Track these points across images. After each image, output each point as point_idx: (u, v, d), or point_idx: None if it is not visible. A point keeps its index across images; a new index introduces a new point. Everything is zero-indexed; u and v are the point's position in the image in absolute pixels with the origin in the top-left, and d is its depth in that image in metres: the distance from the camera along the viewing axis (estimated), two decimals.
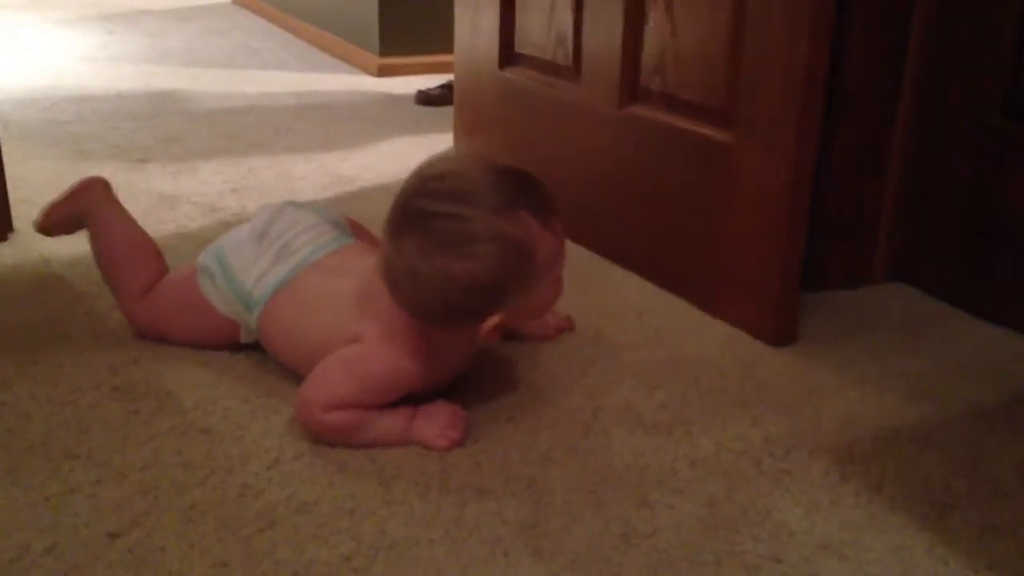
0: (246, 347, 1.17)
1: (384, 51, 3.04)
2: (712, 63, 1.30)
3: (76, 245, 1.43)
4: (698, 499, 0.93)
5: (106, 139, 2.19)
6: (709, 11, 1.29)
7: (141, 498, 0.91)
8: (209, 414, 1.06)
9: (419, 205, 0.96)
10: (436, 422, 1.01)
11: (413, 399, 1.03)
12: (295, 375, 1.09)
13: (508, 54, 1.76)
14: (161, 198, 1.78)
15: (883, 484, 0.97)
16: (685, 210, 1.38)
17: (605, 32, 1.48)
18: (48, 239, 1.49)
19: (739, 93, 1.26)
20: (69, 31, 3.71)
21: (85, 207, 1.27)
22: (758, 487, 0.96)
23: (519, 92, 1.73)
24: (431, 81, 2.81)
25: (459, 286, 0.95)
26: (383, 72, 3.03)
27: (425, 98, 2.64)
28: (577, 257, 1.52)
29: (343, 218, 1.24)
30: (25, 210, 1.65)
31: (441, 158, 1.04)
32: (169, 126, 2.33)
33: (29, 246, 1.52)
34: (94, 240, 1.25)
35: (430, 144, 2.21)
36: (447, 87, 2.57)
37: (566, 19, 1.58)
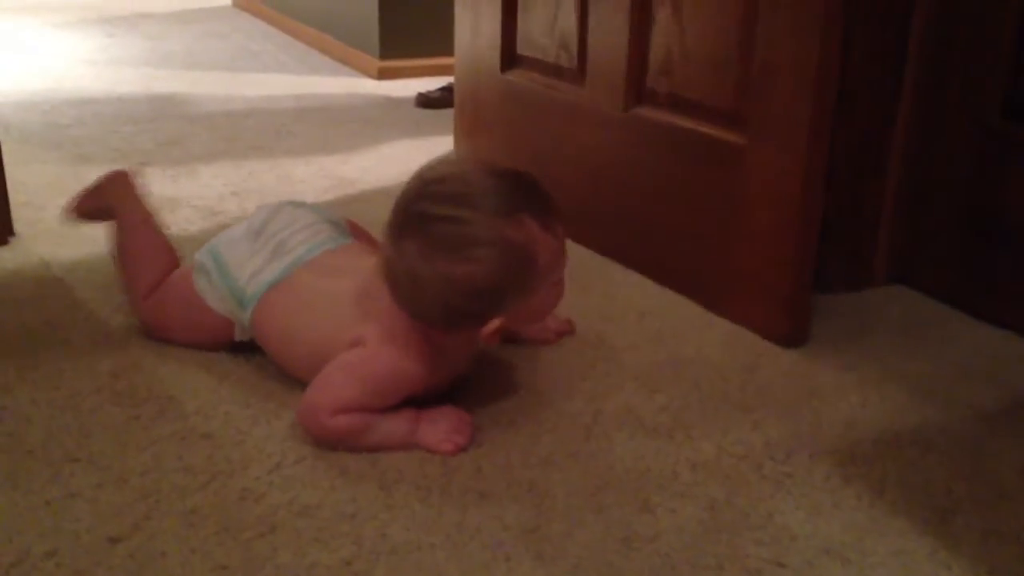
0: (247, 351, 1.17)
1: (384, 54, 3.04)
2: (721, 64, 1.30)
3: (77, 249, 1.43)
4: (699, 503, 0.93)
5: (107, 142, 2.19)
6: (718, 11, 1.29)
7: (142, 502, 0.91)
8: (210, 419, 1.06)
9: (420, 208, 0.96)
10: (441, 426, 1.01)
11: (414, 402, 1.03)
12: (297, 379, 1.09)
13: (510, 56, 1.76)
14: (161, 201, 1.78)
15: (885, 487, 0.97)
16: (693, 210, 1.38)
17: (610, 34, 1.48)
18: (49, 243, 1.50)
19: (749, 93, 1.26)
20: (69, 34, 3.71)
21: (110, 200, 1.29)
22: (760, 491, 0.96)
23: (521, 94, 1.73)
24: (431, 84, 2.81)
25: (460, 289, 0.95)
26: (383, 75, 3.03)
27: (425, 101, 2.64)
28: (578, 259, 1.52)
29: (343, 219, 1.25)
30: (26, 214, 1.65)
31: (442, 161, 1.04)
32: (169, 129, 2.33)
33: (30, 250, 1.52)
34: (114, 236, 1.27)
35: (430, 147, 2.21)
36: (447, 90, 2.57)
37: (570, 21, 1.57)
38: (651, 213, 1.46)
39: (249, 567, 0.83)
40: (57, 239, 1.55)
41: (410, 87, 2.85)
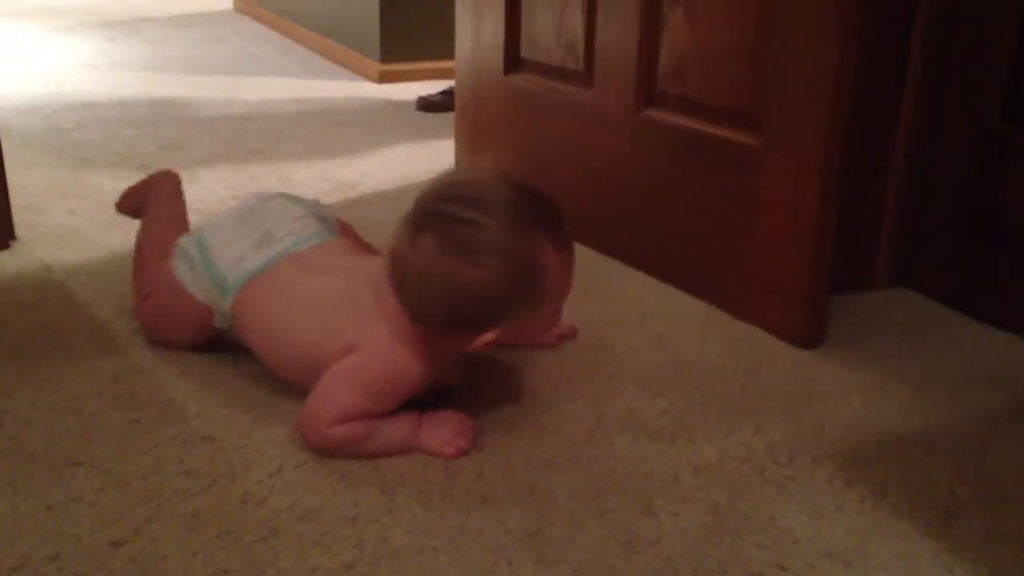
0: (247, 354, 1.17)
1: (385, 57, 3.04)
2: (735, 66, 1.30)
3: (78, 253, 1.43)
4: (702, 506, 0.93)
5: (108, 146, 2.19)
6: (731, 13, 1.29)
7: (143, 506, 0.91)
8: (211, 422, 1.05)
9: (443, 208, 0.96)
10: (443, 430, 1.01)
11: (412, 405, 1.02)
12: (280, 379, 1.09)
13: (513, 59, 1.76)
14: None
15: (887, 490, 0.96)
16: (706, 211, 1.38)
17: (620, 36, 1.48)
18: (50, 246, 1.50)
19: (764, 95, 1.26)
20: (70, 38, 3.72)
21: (146, 199, 1.30)
22: (762, 494, 0.95)
23: (525, 97, 1.73)
24: (432, 87, 2.81)
25: (466, 292, 0.95)
26: (384, 78, 3.03)
27: (426, 104, 2.64)
28: (580, 261, 1.52)
29: (332, 216, 1.24)
30: (27, 218, 1.65)
31: (471, 170, 1.04)
32: (171, 133, 2.33)
33: (31, 254, 1.52)
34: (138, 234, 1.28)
35: (431, 150, 2.21)
36: (448, 93, 2.57)
37: (576, 24, 1.57)
38: (661, 214, 1.46)
39: (250, 571, 0.83)
40: (58, 243, 1.55)
41: (411, 90, 2.86)
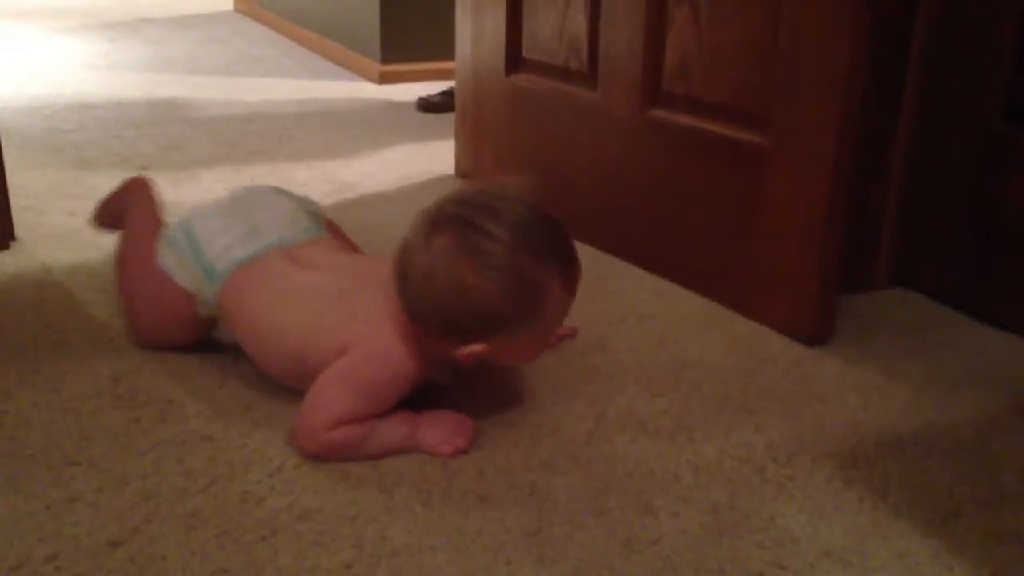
0: (246, 355, 1.17)
1: (385, 58, 3.04)
2: (743, 65, 1.30)
3: (78, 253, 1.43)
4: (701, 506, 0.93)
5: (108, 147, 2.19)
6: (739, 12, 1.30)
7: (142, 506, 0.91)
8: (210, 422, 1.05)
9: (466, 213, 0.97)
10: (441, 430, 1.01)
11: (407, 405, 1.02)
12: (264, 372, 1.09)
13: (515, 60, 1.76)
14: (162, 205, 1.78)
15: (887, 490, 0.96)
16: (712, 210, 1.38)
17: (624, 35, 1.48)
18: (50, 247, 1.50)
19: (772, 95, 1.26)
20: (71, 39, 3.72)
21: (123, 205, 1.30)
22: (761, 493, 0.95)
23: (527, 98, 1.73)
24: (432, 88, 2.81)
25: (466, 299, 0.95)
26: (384, 79, 3.03)
27: (426, 105, 2.64)
28: (583, 260, 1.51)
29: (323, 215, 1.24)
30: (27, 218, 1.66)
31: (501, 186, 1.04)
32: (171, 134, 2.33)
33: (31, 254, 1.52)
34: (118, 242, 1.27)
35: (431, 151, 2.21)
36: (448, 94, 2.57)
37: (580, 24, 1.57)
38: (666, 213, 1.46)
39: (250, 570, 0.83)
40: (58, 243, 1.55)
41: (411, 91, 2.86)
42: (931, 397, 1.15)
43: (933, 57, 1.36)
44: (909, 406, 1.13)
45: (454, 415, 1.03)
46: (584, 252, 1.56)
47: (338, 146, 2.26)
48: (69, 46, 3.58)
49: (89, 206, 1.34)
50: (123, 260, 1.23)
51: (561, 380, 1.17)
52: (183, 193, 1.86)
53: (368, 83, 3.06)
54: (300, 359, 1.03)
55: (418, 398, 1.04)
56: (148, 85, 2.91)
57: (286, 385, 1.08)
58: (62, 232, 1.60)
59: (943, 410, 1.12)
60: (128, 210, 1.28)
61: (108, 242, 1.54)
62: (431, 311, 0.97)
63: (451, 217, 0.97)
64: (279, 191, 1.22)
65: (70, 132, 2.32)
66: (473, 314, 0.96)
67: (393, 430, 1.00)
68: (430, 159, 2.14)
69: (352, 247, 1.27)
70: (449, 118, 2.22)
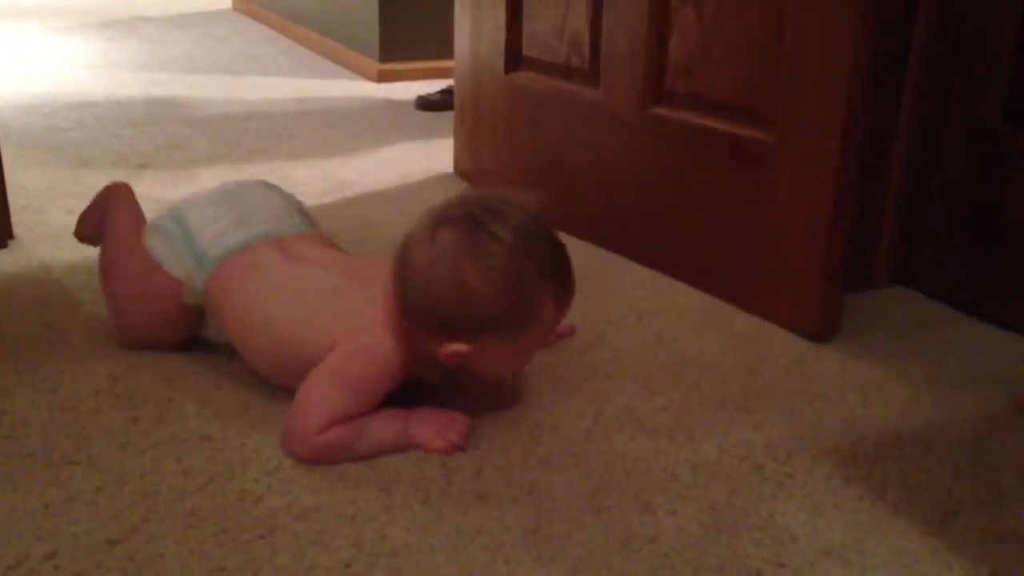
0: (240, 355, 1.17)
1: (384, 57, 3.04)
2: (747, 62, 1.30)
3: (76, 252, 1.43)
4: (700, 504, 0.93)
5: (107, 146, 2.19)
6: (743, 9, 1.29)
7: (141, 505, 0.91)
8: (209, 421, 1.05)
9: (477, 214, 0.97)
10: (434, 426, 1.00)
11: (402, 404, 1.02)
12: (251, 365, 1.10)
13: (515, 58, 1.76)
14: (161, 205, 1.76)
15: (886, 488, 0.96)
16: (716, 208, 1.38)
17: (627, 33, 1.48)
18: (48, 246, 1.50)
19: (777, 92, 1.26)
20: (69, 38, 3.71)
21: (104, 210, 1.28)
22: (760, 492, 0.95)
23: (528, 96, 1.73)
24: (431, 86, 2.81)
25: (462, 295, 0.95)
26: (383, 78, 3.03)
27: (425, 103, 2.64)
28: (583, 258, 1.51)
29: (310, 217, 1.24)
30: (26, 217, 1.65)
31: (514, 194, 1.03)
32: (170, 133, 2.33)
33: (29, 253, 1.52)
34: (101, 249, 1.26)
35: (430, 149, 2.21)
36: (447, 92, 2.57)
37: (581, 22, 1.57)
38: (669, 211, 1.46)
39: (248, 569, 0.82)
40: (57, 242, 1.55)
41: (410, 90, 2.86)
42: (930, 396, 1.15)
43: (933, 57, 1.36)
44: (908, 405, 1.13)
45: (445, 411, 1.03)
46: (583, 249, 1.57)
47: (337, 145, 2.26)
48: (68, 45, 3.58)
49: (88, 205, 1.34)
50: (107, 260, 1.22)
51: (560, 378, 1.17)
52: (181, 192, 1.86)
53: (367, 82, 3.06)
54: (291, 354, 1.03)
55: (412, 398, 1.04)
56: (147, 84, 2.91)
57: (276, 383, 1.08)
58: (61, 231, 1.59)
59: (942, 409, 1.12)
60: (109, 214, 1.26)
61: None
62: (425, 303, 0.97)
63: (460, 215, 0.97)
64: (269, 185, 1.23)
65: (69, 131, 2.32)
66: (466, 311, 0.96)
67: (385, 427, 0.99)
68: (429, 158, 2.14)
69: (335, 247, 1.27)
70: (448, 116, 2.22)
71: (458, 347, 0.98)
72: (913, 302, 1.42)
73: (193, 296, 1.14)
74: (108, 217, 1.26)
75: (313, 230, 1.19)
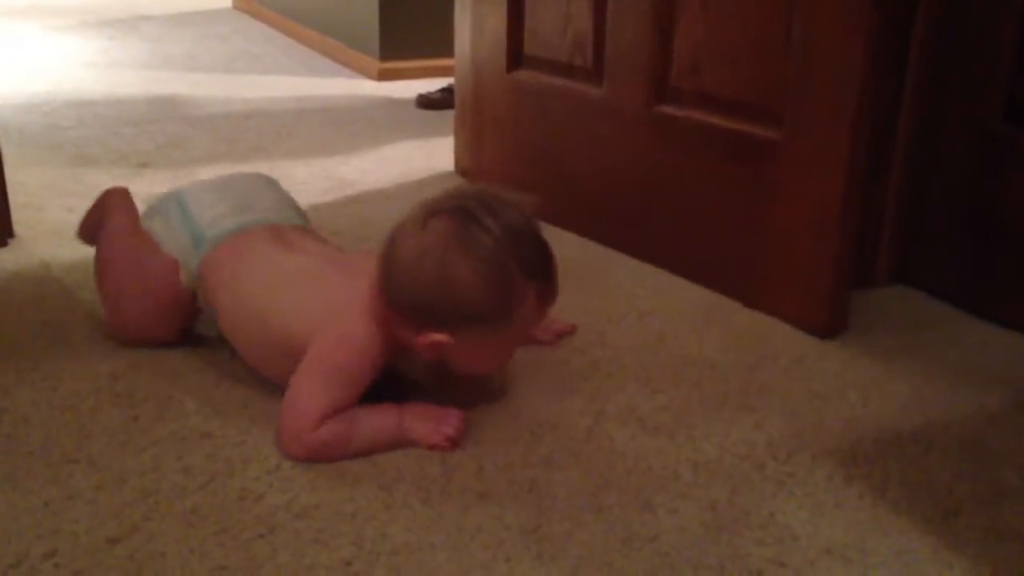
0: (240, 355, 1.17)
1: (384, 55, 3.04)
2: (754, 60, 1.30)
3: (76, 250, 1.43)
4: (701, 503, 0.93)
5: (107, 144, 2.19)
6: (749, 7, 1.29)
7: (141, 503, 0.91)
8: (209, 419, 1.05)
9: (469, 206, 0.97)
10: (428, 421, 1.00)
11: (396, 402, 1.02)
12: (241, 353, 1.10)
13: (516, 56, 1.76)
14: None
15: (887, 487, 0.96)
16: (722, 207, 1.38)
17: (631, 31, 1.48)
18: (48, 244, 1.50)
19: (785, 90, 1.26)
20: (70, 37, 3.71)
21: (102, 213, 1.29)
22: (761, 490, 0.95)
23: (529, 94, 1.72)
24: (432, 85, 2.81)
25: (447, 284, 0.95)
26: (384, 76, 3.03)
27: (426, 102, 2.64)
28: (579, 257, 1.52)
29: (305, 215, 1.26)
30: (26, 216, 1.65)
31: (507, 191, 1.04)
32: (170, 131, 2.33)
33: (30, 252, 1.51)
34: (96, 251, 1.26)
35: (431, 148, 2.21)
36: (448, 91, 2.57)
37: (584, 19, 1.57)
38: (675, 208, 1.46)
39: (248, 568, 0.82)
40: (57, 240, 1.55)
41: (410, 88, 2.85)
42: (931, 394, 1.15)
43: (933, 57, 1.36)
44: (909, 403, 1.13)
45: (439, 406, 1.03)
46: (584, 247, 1.57)
47: (337, 143, 2.26)
48: (68, 43, 3.58)
49: (88, 203, 1.34)
50: (102, 259, 1.22)
51: (561, 376, 1.17)
52: None
53: (367, 80, 3.06)
54: (285, 345, 1.03)
55: (398, 397, 1.04)
56: (147, 82, 2.91)
57: (265, 374, 1.09)
58: (61, 229, 1.59)
59: (943, 407, 1.12)
60: (107, 216, 1.27)
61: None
62: (409, 290, 0.97)
63: (452, 206, 0.98)
64: (268, 179, 1.25)
65: (69, 129, 2.31)
66: (449, 300, 0.96)
67: (379, 423, 0.99)
68: (429, 156, 2.14)
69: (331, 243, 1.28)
70: (449, 115, 2.22)
71: (438, 337, 0.98)
72: (914, 301, 1.42)
73: (189, 278, 1.14)
74: (105, 219, 1.27)
75: (308, 224, 1.21)
